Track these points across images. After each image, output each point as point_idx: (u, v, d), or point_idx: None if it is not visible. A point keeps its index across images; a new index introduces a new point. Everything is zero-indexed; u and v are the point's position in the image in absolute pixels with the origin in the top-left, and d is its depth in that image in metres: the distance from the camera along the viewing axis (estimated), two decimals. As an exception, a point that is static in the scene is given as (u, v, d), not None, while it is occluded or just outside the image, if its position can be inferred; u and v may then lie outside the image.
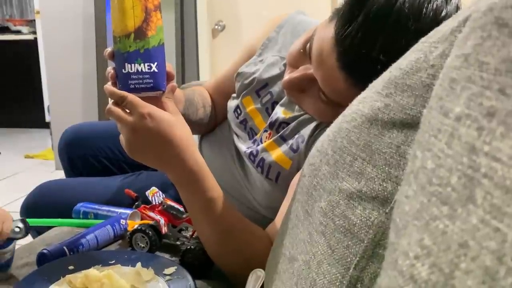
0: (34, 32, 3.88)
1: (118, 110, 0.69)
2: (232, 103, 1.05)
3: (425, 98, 0.39)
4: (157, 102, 0.72)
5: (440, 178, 0.24)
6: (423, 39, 0.43)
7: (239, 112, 1.01)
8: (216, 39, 2.77)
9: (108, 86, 0.71)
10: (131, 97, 0.68)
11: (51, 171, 2.91)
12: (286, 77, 0.79)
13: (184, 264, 0.80)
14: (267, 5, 2.58)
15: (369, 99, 0.48)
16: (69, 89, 2.78)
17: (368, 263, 0.42)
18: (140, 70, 0.69)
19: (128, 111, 0.69)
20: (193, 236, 0.89)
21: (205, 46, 2.72)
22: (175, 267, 0.78)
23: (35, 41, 3.74)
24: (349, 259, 0.44)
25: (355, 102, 0.52)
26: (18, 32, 4.27)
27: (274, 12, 2.33)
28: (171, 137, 0.69)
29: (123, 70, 0.69)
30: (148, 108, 0.68)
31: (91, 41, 2.65)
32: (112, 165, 1.34)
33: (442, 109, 0.26)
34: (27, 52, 4.02)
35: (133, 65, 0.69)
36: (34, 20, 3.73)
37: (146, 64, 0.69)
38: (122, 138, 0.71)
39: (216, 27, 2.74)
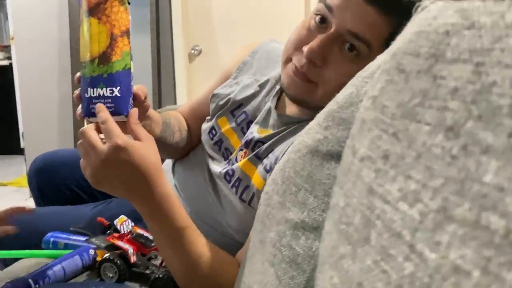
0: (9, 58, 3.85)
1: (92, 134, 0.68)
2: (206, 125, 1.06)
3: (357, 132, 0.40)
4: (125, 127, 0.71)
5: (347, 217, 0.25)
6: (358, 73, 0.45)
7: (214, 133, 1.02)
8: (192, 63, 2.79)
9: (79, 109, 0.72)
10: (111, 123, 0.68)
11: (25, 199, 2.85)
12: (312, 44, 0.80)
13: (153, 293, 0.80)
14: (243, 30, 2.63)
15: (313, 131, 0.50)
16: (44, 115, 2.75)
17: (310, 294, 0.43)
18: (101, 95, 0.69)
19: (102, 137, 0.69)
20: (162, 265, 0.88)
21: (181, 70, 2.74)
22: (143, 297, 0.77)
23: (10, 66, 3.71)
24: (293, 290, 0.45)
25: (303, 132, 0.54)
26: (-8, 58, 4.23)
27: (249, 36, 2.36)
28: (141, 170, 0.68)
29: (86, 94, 0.70)
30: (123, 139, 0.67)
31: (67, 66, 2.64)
32: (84, 193, 1.33)
33: (352, 149, 0.28)
34: (2, 78, 3.98)
35: (95, 89, 0.70)
36: (9, 46, 3.71)
37: (108, 89, 0.69)
38: (84, 163, 0.70)
39: (193, 51, 2.77)
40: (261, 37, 1.11)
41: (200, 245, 0.75)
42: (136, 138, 0.71)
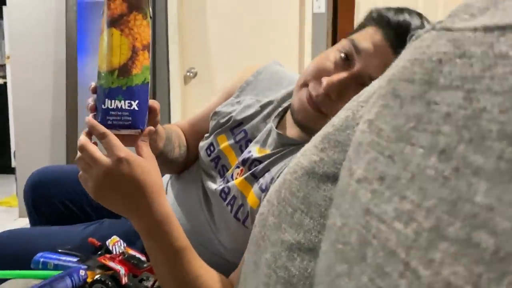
0: (4, 77, 3.86)
1: (93, 148, 0.67)
2: (203, 142, 1.07)
3: (352, 155, 0.41)
4: (132, 141, 0.71)
5: (344, 236, 0.26)
6: (354, 98, 0.47)
7: (212, 149, 1.03)
8: (188, 85, 2.82)
9: (90, 118, 0.70)
10: (112, 137, 0.67)
11: (14, 219, 2.81)
12: (333, 78, 0.82)
13: (143, 315, 0.79)
14: (238, 54, 2.67)
15: (309, 152, 0.51)
16: (36, 134, 2.74)
17: (305, 314, 0.43)
18: (119, 107, 0.69)
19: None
20: (154, 286, 0.88)
21: (176, 92, 2.76)
22: (133, 319, 0.76)
23: (4, 85, 3.72)
24: (288, 311, 0.45)
25: (298, 154, 0.55)
26: (-12, 76, 4.24)
27: (244, 60, 2.39)
28: (143, 185, 0.68)
29: (103, 106, 0.69)
30: (126, 152, 0.67)
31: (61, 87, 2.65)
32: (76, 208, 1.32)
33: (349, 170, 0.29)
34: (-4, 96, 3.98)
35: (113, 101, 0.69)
36: (5, 65, 3.73)
37: (126, 102, 0.69)
38: (84, 177, 0.70)
39: (188, 73, 2.79)
40: (256, 61, 1.14)
41: (197, 266, 0.75)
42: (139, 154, 0.71)
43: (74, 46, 2.63)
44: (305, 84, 0.87)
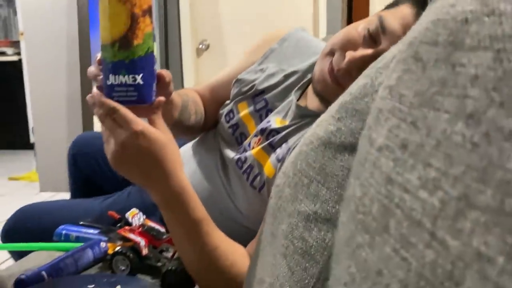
0: (19, 53, 3.87)
1: (111, 121, 0.66)
2: (223, 110, 1.07)
3: (371, 123, 0.40)
4: (145, 113, 0.69)
5: (364, 207, 0.25)
6: (372, 64, 0.45)
7: (231, 116, 1.03)
8: (200, 58, 2.80)
9: (97, 94, 0.67)
10: (124, 111, 0.65)
11: (35, 193, 2.88)
12: (356, 54, 0.80)
13: (165, 285, 0.80)
14: (250, 25, 2.62)
15: (325, 123, 0.49)
16: (53, 110, 2.77)
17: (324, 284, 0.43)
18: (124, 82, 0.65)
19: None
20: (174, 257, 0.89)
21: (189, 65, 2.74)
22: (155, 289, 0.78)
23: (19, 62, 3.73)
24: (306, 281, 0.45)
25: (314, 125, 0.54)
26: (3, 53, 4.25)
27: (257, 31, 2.36)
28: (161, 158, 0.67)
29: (107, 81, 0.65)
30: (142, 125, 0.65)
31: (75, 61, 2.65)
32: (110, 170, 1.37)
33: (369, 139, 0.27)
34: (12, 73, 4.00)
35: (117, 76, 0.65)
36: (19, 41, 3.74)
37: (130, 76, 0.65)
38: (108, 148, 0.68)
39: (200, 46, 2.77)
40: (270, 29, 1.12)
41: (215, 237, 0.75)
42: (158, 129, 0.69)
43: (87, 21, 2.62)
44: (330, 53, 0.85)
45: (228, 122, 1.02)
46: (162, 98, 0.70)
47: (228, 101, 1.05)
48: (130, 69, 0.65)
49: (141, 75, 0.66)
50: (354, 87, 0.45)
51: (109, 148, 0.67)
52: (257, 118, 0.98)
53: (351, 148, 0.43)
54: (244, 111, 1.00)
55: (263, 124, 0.94)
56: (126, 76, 0.65)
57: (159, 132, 0.68)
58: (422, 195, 0.21)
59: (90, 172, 1.37)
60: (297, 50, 1.01)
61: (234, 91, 1.04)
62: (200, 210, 0.74)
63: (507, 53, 0.20)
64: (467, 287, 0.16)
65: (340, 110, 0.45)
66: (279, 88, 0.98)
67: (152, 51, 0.67)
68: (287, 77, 0.98)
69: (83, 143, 1.39)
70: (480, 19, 0.23)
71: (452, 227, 0.18)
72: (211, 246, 0.75)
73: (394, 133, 0.25)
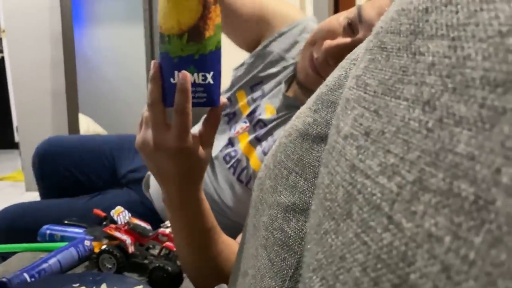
0: (1, 51, 3.82)
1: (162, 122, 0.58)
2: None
3: (344, 114, 0.41)
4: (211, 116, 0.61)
5: (331, 194, 0.26)
6: (348, 56, 0.46)
7: (229, 104, 1.03)
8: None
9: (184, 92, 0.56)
10: (189, 120, 0.56)
11: (21, 193, 2.86)
12: (332, 42, 0.79)
13: (152, 283, 0.80)
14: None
15: (303, 114, 0.50)
16: (37, 108, 2.74)
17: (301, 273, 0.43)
18: (192, 82, 0.55)
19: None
20: (161, 254, 0.89)
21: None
22: (141, 286, 0.78)
23: (2, 60, 3.68)
24: (285, 272, 0.45)
25: (294, 117, 0.54)
26: (-16, 51, 4.19)
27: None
28: (188, 175, 0.62)
29: (172, 80, 0.55)
30: (190, 143, 0.58)
31: (59, 58, 2.63)
32: (82, 175, 1.34)
33: (337, 128, 0.28)
34: (-5, 71, 3.96)
35: None
36: (1, 39, 3.68)
37: (200, 74, 0.55)
38: (142, 134, 0.61)
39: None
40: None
41: (220, 242, 0.72)
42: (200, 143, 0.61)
43: (70, 16, 2.59)
44: (312, 43, 0.86)
45: (224, 110, 1.02)
46: (224, 100, 0.61)
47: (228, 87, 1.05)
48: (200, 66, 0.55)
49: (211, 74, 0.56)
50: (330, 79, 0.45)
51: (144, 135, 0.60)
52: (254, 107, 0.99)
53: (326, 139, 0.44)
54: (243, 101, 1.01)
55: (253, 110, 0.95)
56: (196, 75, 0.55)
57: (199, 158, 0.61)
58: (382, 180, 0.21)
59: (59, 178, 1.35)
60: (299, 40, 1.02)
61: (236, 73, 1.04)
62: (211, 219, 0.69)
63: (461, 41, 0.21)
64: (418, 266, 0.17)
65: (317, 101, 0.46)
66: (277, 78, 0.99)
67: (221, 47, 0.57)
68: (286, 68, 0.99)
69: (48, 150, 1.36)
70: (438, 8, 0.24)
71: (407, 210, 0.19)
72: (215, 252, 0.71)
73: (359, 121, 0.25)
